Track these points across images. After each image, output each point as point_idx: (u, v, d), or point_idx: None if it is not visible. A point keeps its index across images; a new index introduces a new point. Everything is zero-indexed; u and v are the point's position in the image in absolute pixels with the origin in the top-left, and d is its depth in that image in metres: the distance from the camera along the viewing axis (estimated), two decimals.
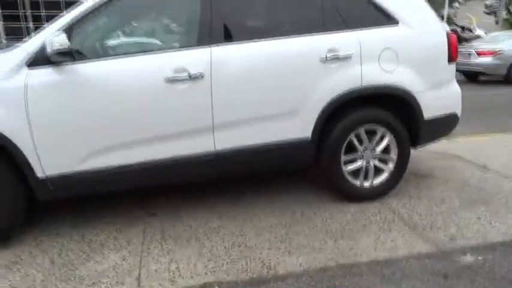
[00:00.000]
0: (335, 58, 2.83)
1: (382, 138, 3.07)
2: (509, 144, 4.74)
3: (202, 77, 2.59)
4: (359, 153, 3.04)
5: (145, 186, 2.88)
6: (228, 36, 2.69)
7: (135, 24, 2.74)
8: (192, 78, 2.58)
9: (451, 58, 3.17)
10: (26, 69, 2.36)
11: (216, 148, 2.71)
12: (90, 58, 2.48)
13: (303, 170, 3.64)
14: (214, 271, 2.25)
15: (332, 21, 2.91)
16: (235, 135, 2.73)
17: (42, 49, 2.35)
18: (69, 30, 2.41)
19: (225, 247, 2.50)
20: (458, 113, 3.33)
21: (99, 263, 2.36)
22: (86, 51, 2.49)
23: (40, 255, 2.46)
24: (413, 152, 4.27)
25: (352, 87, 2.87)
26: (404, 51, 2.99)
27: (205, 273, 2.23)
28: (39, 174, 2.44)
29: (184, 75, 2.56)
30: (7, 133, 2.32)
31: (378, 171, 3.13)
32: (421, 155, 4.30)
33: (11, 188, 2.43)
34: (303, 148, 2.89)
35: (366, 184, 3.10)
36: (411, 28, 3.04)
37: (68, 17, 2.46)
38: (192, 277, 2.20)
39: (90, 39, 2.57)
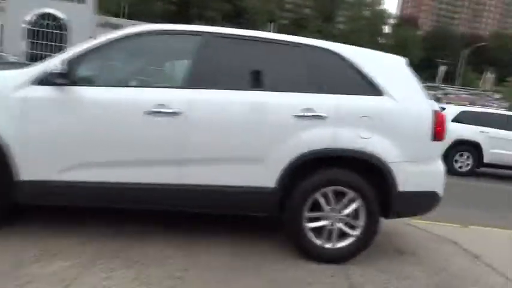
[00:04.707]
0: (309, 117, 2.97)
1: (351, 202, 3.07)
2: None
3: (179, 114, 2.86)
4: (324, 213, 3.06)
5: (114, 205, 3.10)
6: (209, 83, 2.97)
7: (127, 63, 3.15)
8: (170, 114, 2.85)
9: (436, 136, 3.18)
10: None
11: (181, 181, 2.90)
12: (85, 84, 2.87)
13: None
14: None
15: (314, 84, 3.09)
16: (203, 173, 2.92)
17: (46, 71, 2.77)
18: (71, 61, 2.80)
19: (162, 276, 2.61)
20: (440, 192, 3.25)
21: (44, 267, 2.56)
22: (82, 78, 2.89)
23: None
24: (407, 229, 4.20)
25: (322, 147, 2.98)
26: (383, 122, 3.06)
27: None
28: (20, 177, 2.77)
29: (163, 110, 2.85)
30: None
31: (343, 235, 3.11)
32: (415, 233, 4.15)
33: None
34: (266, 196, 2.98)
35: (328, 245, 3.08)
36: (395, 101, 3.12)
37: (71, 51, 2.89)
38: None
39: (88, 70, 2.98)
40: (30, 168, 2.79)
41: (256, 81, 3.16)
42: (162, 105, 2.85)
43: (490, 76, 48.59)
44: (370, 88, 3.15)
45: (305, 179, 3.00)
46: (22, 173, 2.78)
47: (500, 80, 52.69)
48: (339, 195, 3.05)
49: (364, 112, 3.06)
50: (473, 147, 9.32)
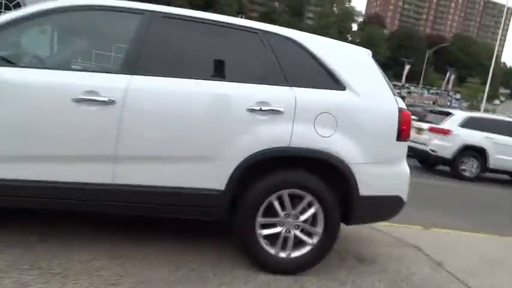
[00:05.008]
0: (264, 111, 2.65)
1: (308, 207, 2.78)
2: (484, 246, 4.29)
3: (114, 103, 2.46)
4: (279, 218, 2.76)
5: (35, 207, 2.67)
6: (149, 69, 2.58)
7: (54, 42, 2.70)
8: (103, 102, 2.45)
9: (401, 135, 2.94)
10: None
11: (115, 181, 2.51)
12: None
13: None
14: None
15: (271, 75, 2.76)
16: (139, 172, 2.54)
17: None
18: None
19: None
20: (404, 196, 3.02)
21: None
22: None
23: None
24: (367, 232, 3.99)
25: (278, 145, 2.66)
26: (345, 119, 2.78)
27: None
28: None
29: (95, 98, 2.44)
30: None
31: (300, 243, 2.82)
32: (376, 237, 3.94)
33: None
34: (215, 200, 2.64)
35: (282, 254, 2.78)
36: (358, 97, 2.85)
37: None
38: None
39: (4, 49, 2.51)
40: None
41: (205, 69, 2.77)
42: (93, 92, 2.44)
43: (451, 76, 50.39)
44: (331, 81, 2.86)
45: (258, 181, 2.68)
46: None
47: (460, 81, 54.71)
48: (296, 199, 2.76)
49: (324, 108, 2.76)
50: (478, 153, 9.37)
